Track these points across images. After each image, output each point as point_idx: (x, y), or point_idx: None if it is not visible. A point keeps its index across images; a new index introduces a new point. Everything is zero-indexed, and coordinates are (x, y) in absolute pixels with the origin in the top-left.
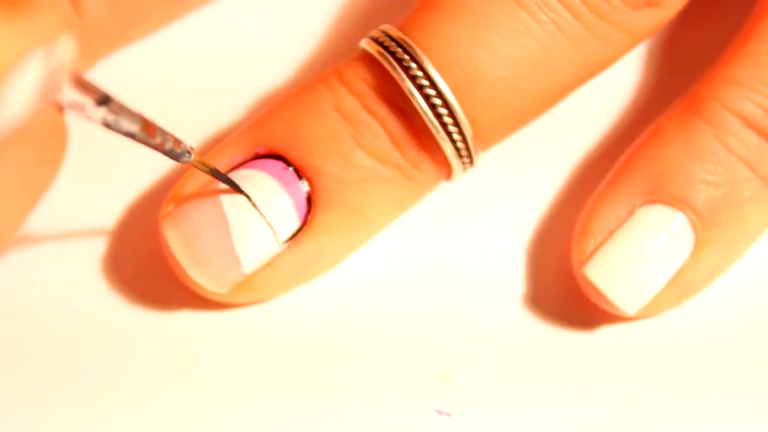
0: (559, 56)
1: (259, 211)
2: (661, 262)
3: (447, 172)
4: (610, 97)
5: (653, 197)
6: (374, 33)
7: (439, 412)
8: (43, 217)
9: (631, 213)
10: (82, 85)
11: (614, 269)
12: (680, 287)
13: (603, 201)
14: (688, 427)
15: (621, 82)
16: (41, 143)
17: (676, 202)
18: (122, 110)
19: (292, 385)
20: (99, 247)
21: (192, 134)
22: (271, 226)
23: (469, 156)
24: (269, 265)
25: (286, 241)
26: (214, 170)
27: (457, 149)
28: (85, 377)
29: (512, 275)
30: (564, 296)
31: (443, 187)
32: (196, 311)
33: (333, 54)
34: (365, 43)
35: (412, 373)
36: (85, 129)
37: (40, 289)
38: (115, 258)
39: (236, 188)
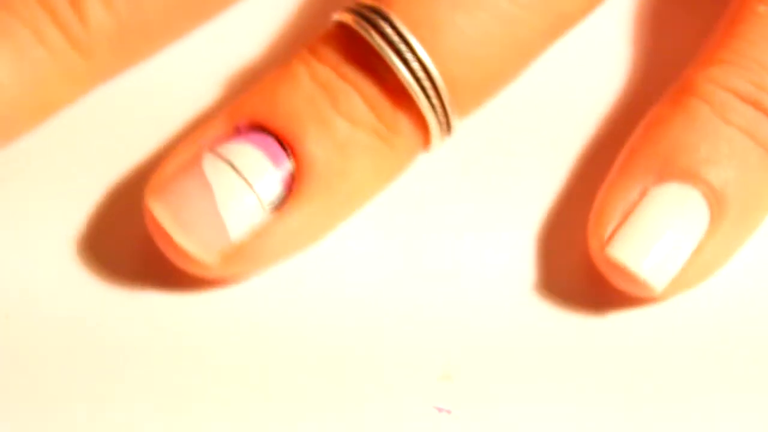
0: (521, 7)
1: (242, 175)
2: (680, 236)
3: (425, 136)
4: (620, 87)
5: (663, 176)
6: (348, 4)
7: (440, 410)
8: (46, 217)
9: (643, 194)
10: None
11: (636, 247)
12: (701, 262)
13: (613, 187)
14: (691, 427)
15: (631, 71)
16: None
17: (686, 177)
18: None
19: (292, 384)
20: (101, 248)
21: (177, 120)
22: (255, 192)
23: (445, 115)
24: (257, 235)
25: (273, 209)
26: None
27: (432, 106)
28: (85, 377)
29: (513, 274)
30: (565, 296)
31: (446, 182)
32: (197, 312)
33: None
34: (337, 15)
35: (412, 370)
36: (82, 131)
37: (40, 289)
38: (115, 258)
39: None
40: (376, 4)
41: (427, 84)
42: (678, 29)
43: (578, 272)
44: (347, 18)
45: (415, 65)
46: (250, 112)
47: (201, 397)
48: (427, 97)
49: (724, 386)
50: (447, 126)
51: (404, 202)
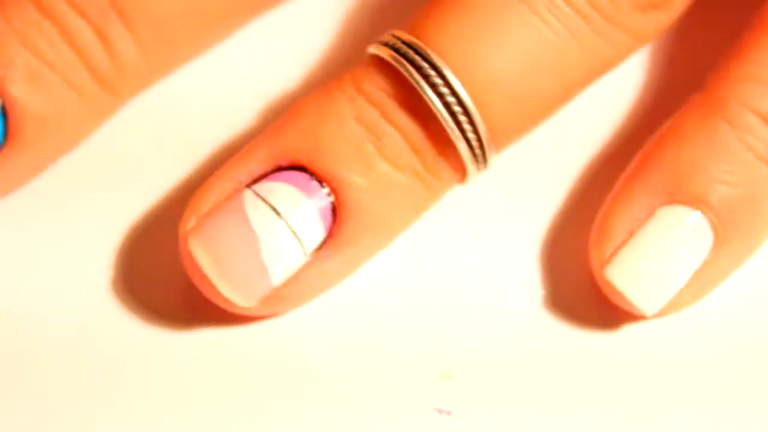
0: (569, 59)
1: (286, 221)
2: (681, 262)
3: (461, 176)
4: (623, 96)
5: (672, 198)
6: (384, 37)
7: (440, 411)
8: (46, 217)
9: (650, 214)
10: None
11: (635, 272)
12: (700, 285)
13: (621, 202)
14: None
15: (634, 81)
16: None
17: (695, 202)
18: None
19: (292, 384)
20: (100, 248)
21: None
22: (298, 237)
23: (484, 158)
24: (295, 278)
25: (312, 252)
26: None
27: (474, 153)
28: (84, 377)
29: (511, 275)
30: (566, 300)
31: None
32: (192, 313)
33: (344, 56)
34: (376, 49)
35: (412, 371)
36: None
37: (40, 287)
38: (117, 258)
39: None
40: (416, 41)
41: (467, 127)
42: (693, 33)
43: (581, 278)
44: (389, 57)
45: (457, 108)
46: (293, 151)
47: (202, 392)
48: (467, 139)
49: (727, 394)
50: (484, 163)
51: None
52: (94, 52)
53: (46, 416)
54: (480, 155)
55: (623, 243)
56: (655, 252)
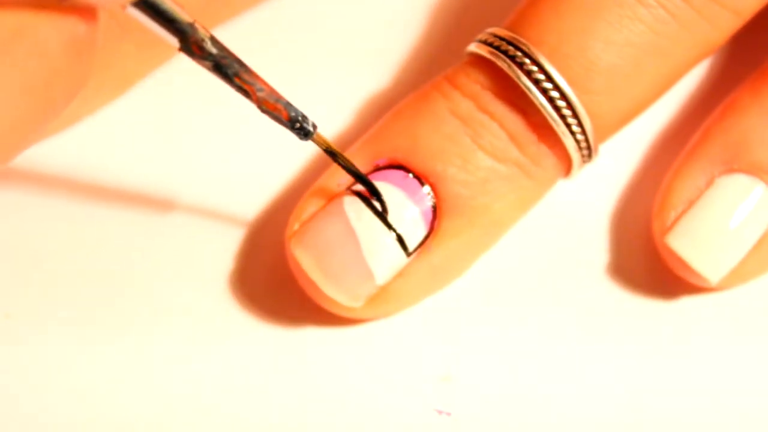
0: (669, 39)
1: (386, 221)
2: (742, 229)
3: (566, 167)
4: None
5: (731, 166)
6: (482, 36)
7: (440, 412)
8: (48, 218)
9: (710, 183)
10: None
11: (696, 238)
12: (763, 254)
13: (681, 172)
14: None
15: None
16: (64, 52)
17: (754, 170)
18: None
19: (291, 384)
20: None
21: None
22: (398, 233)
23: (588, 148)
24: (401, 275)
25: (415, 249)
26: (336, 153)
27: (577, 141)
28: (84, 377)
29: (509, 274)
30: (561, 297)
31: None
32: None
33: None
34: (475, 47)
35: (412, 372)
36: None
37: (40, 288)
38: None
39: (367, 185)
40: (514, 35)
41: (572, 121)
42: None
43: (589, 275)
44: (487, 52)
45: (561, 102)
46: (389, 150)
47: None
48: (572, 133)
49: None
50: (588, 154)
51: None
52: None
53: (46, 415)
54: (583, 142)
55: (684, 212)
56: (715, 219)
